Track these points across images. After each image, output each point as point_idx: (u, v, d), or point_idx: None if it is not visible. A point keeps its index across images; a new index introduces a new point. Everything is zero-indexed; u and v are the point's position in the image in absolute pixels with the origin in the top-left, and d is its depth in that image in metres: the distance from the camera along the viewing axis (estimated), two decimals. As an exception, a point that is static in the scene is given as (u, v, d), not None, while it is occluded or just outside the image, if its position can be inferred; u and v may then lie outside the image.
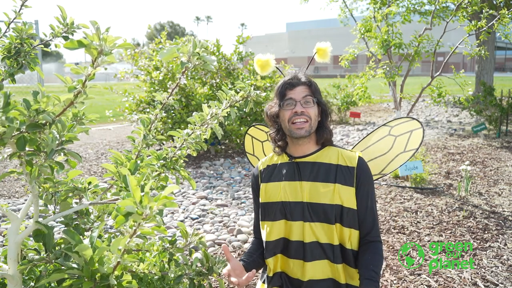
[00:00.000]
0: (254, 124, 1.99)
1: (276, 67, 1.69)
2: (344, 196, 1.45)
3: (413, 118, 1.73)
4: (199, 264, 1.34)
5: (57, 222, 3.28)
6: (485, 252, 2.98)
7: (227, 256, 1.41)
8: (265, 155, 1.93)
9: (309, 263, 1.46)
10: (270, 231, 1.53)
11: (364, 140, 1.79)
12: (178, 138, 1.35)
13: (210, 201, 4.30)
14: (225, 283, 2.62)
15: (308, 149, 1.51)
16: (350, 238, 1.46)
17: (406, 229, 3.42)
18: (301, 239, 1.47)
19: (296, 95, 1.45)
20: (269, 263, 1.55)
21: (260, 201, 1.56)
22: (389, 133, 1.75)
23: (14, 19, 1.33)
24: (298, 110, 1.43)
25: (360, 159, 1.50)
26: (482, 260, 2.86)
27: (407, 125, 1.73)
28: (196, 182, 4.99)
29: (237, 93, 1.35)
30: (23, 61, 1.28)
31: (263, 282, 1.62)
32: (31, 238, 1.10)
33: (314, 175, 1.48)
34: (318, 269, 1.46)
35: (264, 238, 1.56)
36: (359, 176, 1.47)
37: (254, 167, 1.95)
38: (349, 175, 1.46)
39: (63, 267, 0.94)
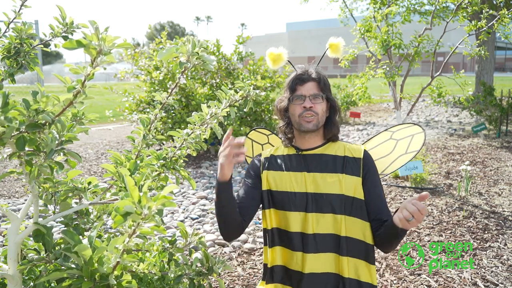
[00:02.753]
0: (255, 127, 1.99)
1: (288, 61, 1.73)
2: (351, 186, 1.47)
3: (415, 124, 1.75)
4: (199, 264, 1.34)
5: (57, 222, 3.28)
6: (485, 252, 2.98)
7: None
8: None
9: (312, 255, 1.46)
10: (275, 219, 1.55)
11: (365, 144, 1.81)
12: (178, 138, 1.35)
13: (210, 201, 4.29)
14: (225, 283, 2.62)
15: (315, 143, 1.56)
16: (358, 228, 1.47)
17: (406, 229, 3.42)
18: (303, 230, 1.48)
19: (306, 91, 1.50)
20: (271, 252, 1.56)
21: (263, 188, 1.57)
22: (390, 137, 1.77)
23: (13, 19, 1.33)
24: (307, 105, 1.48)
25: (365, 151, 1.55)
26: (482, 260, 2.86)
27: (409, 130, 1.75)
28: (196, 182, 4.98)
29: (237, 92, 1.35)
30: (23, 61, 1.28)
31: (263, 280, 1.63)
32: (31, 238, 1.10)
33: (322, 166, 1.51)
34: (321, 262, 1.46)
35: (267, 226, 1.58)
36: (365, 167, 1.51)
37: None
38: (356, 166, 1.50)
39: (63, 267, 0.94)
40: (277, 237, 1.55)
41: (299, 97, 1.50)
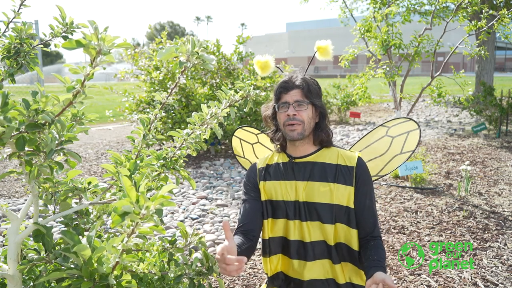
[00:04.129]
0: (241, 126, 1.97)
1: (277, 67, 1.71)
2: (343, 195, 1.45)
3: (410, 119, 1.73)
4: (199, 264, 1.34)
5: (57, 222, 3.28)
6: (485, 252, 2.98)
7: (227, 234, 1.26)
8: (257, 158, 1.92)
9: (310, 262, 1.46)
10: (273, 229, 1.53)
11: (362, 141, 1.79)
12: (178, 138, 1.35)
13: (210, 201, 4.30)
14: (225, 282, 2.62)
15: (306, 150, 1.53)
16: (350, 237, 1.46)
17: (406, 229, 3.42)
18: (300, 238, 1.48)
19: (290, 99, 1.48)
20: (270, 262, 1.55)
21: (262, 199, 1.57)
22: (386, 134, 1.75)
23: (13, 18, 1.33)
24: (290, 114, 1.45)
25: (360, 158, 1.51)
26: (482, 260, 2.86)
27: (404, 126, 1.73)
28: (196, 182, 4.98)
29: (237, 92, 1.35)
30: (23, 61, 1.28)
31: (265, 283, 1.63)
32: (31, 238, 1.10)
33: (313, 175, 1.48)
34: (319, 269, 1.46)
35: (264, 236, 1.56)
36: (358, 176, 1.47)
37: (246, 169, 1.94)
38: (349, 175, 1.47)
39: (62, 267, 0.94)
40: (276, 246, 1.54)
41: (284, 105, 1.48)
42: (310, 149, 1.53)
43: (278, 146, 1.57)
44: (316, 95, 1.51)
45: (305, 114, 1.46)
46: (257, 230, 1.52)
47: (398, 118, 1.76)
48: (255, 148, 1.92)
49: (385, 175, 1.74)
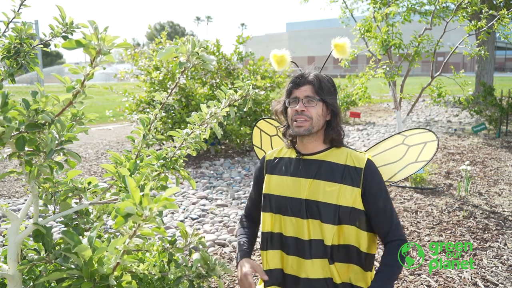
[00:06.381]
0: (264, 117, 2.00)
1: (293, 62, 1.72)
2: (349, 196, 1.43)
3: (430, 130, 1.71)
4: (199, 266, 1.34)
5: (57, 222, 3.28)
6: (485, 252, 2.98)
7: (260, 274, 1.53)
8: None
9: (307, 260, 1.46)
10: (273, 223, 1.54)
11: (376, 146, 1.78)
12: (178, 138, 1.35)
13: (210, 201, 4.29)
14: (224, 283, 2.62)
15: (315, 147, 1.52)
16: (360, 239, 1.45)
17: (406, 229, 3.42)
18: (299, 235, 1.47)
19: (300, 94, 1.47)
20: (268, 256, 1.55)
21: (263, 191, 1.58)
22: (402, 142, 1.73)
23: (13, 18, 1.33)
24: (299, 109, 1.45)
25: (369, 160, 1.49)
26: (482, 260, 2.86)
27: (422, 136, 1.71)
28: (196, 182, 4.98)
29: (236, 92, 1.35)
30: (23, 61, 1.28)
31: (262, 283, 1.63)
32: (31, 238, 1.10)
33: (319, 173, 1.48)
34: (315, 268, 1.46)
35: (263, 229, 1.57)
36: (366, 178, 1.45)
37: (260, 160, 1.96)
38: (356, 176, 1.45)
39: (63, 267, 0.94)
40: (275, 241, 1.54)
41: (294, 100, 1.48)
42: (319, 147, 1.52)
43: (289, 141, 1.57)
44: (328, 92, 1.48)
45: (314, 111, 1.45)
46: (258, 216, 1.67)
47: (416, 128, 1.75)
48: (273, 140, 1.95)
49: (397, 181, 1.72)
